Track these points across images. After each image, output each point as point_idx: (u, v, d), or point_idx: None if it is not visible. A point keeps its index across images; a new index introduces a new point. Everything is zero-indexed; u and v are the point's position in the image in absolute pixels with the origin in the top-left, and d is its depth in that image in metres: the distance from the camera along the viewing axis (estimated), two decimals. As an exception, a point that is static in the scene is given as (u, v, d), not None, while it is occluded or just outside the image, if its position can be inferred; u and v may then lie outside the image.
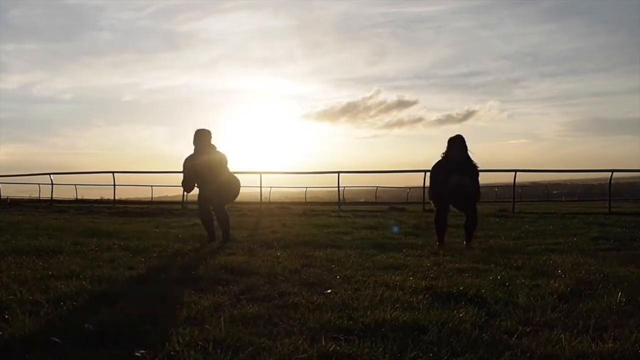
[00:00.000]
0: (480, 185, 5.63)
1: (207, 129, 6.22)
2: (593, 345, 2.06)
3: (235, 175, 6.47)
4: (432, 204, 5.89)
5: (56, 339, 2.06)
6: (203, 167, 6.04)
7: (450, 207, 5.75)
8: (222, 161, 6.17)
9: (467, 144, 5.58)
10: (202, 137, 6.09)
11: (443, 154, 5.62)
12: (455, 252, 4.94)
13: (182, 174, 6.21)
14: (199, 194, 6.26)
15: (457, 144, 5.56)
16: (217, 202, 6.13)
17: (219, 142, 6.23)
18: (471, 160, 5.62)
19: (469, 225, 5.61)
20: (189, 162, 6.15)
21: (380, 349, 2.01)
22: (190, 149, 6.16)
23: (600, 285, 3.13)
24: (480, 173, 5.71)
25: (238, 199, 6.82)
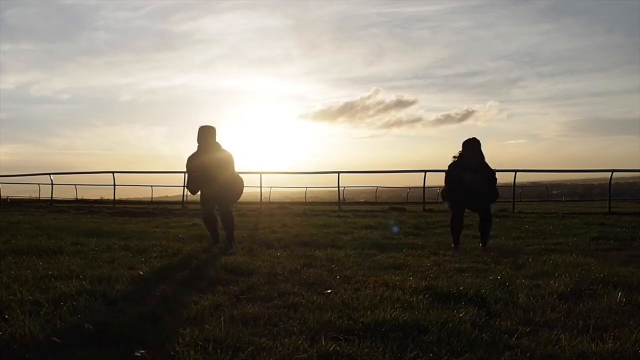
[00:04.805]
0: (497, 186, 5.66)
1: (212, 125, 5.81)
2: (593, 345, 2.06)
3: (239, 175, 6.06)
4: (447, 206, 5.86)
5: (56, 339, 2.06)
6: (208, 165, 5.67)
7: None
8: (229, 161, 5.80)
9: (482, 149, 5.62)
10: (206, 135, 5.69)
11: (456, 156, 5.64)
12: (456, 252, 4.93)
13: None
14: (201, 194, 5.90)
15: (473, 145, 5.59)
16: (220, 202, 5.77)
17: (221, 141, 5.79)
18: (486, 164, 5.64)
19: (483, 225, 5.52)
20: (192, 161, 5.78)
21: (380, 349, 2.01)
22: (193, 147, 5.82)
23: (600, 285, 3.13)
24: (496, 176, 5.68)
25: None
